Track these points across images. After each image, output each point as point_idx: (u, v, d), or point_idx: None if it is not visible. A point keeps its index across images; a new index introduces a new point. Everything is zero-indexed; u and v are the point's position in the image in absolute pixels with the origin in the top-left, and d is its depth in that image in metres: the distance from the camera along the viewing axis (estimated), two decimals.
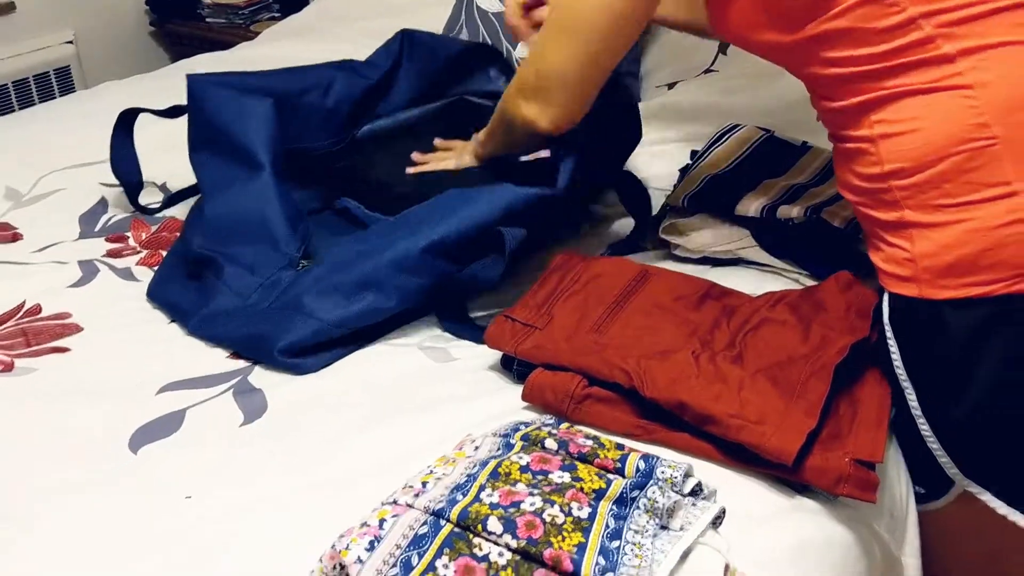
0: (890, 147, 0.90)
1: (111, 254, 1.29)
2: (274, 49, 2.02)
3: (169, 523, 0.84)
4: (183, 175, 1.43)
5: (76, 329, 1.13)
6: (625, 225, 1.31)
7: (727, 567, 0.77)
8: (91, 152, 1.52)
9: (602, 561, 0.72)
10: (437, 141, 1.36)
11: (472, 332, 1.09)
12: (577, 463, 0.82)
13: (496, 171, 1.23)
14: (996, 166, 0.86)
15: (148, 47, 2.79)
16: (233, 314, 1.10)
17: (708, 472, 0.87)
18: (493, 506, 0.75)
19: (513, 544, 0.73)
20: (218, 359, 1.07)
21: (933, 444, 0.93)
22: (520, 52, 1.70)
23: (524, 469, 0.81)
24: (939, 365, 0.91)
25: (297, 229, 1.17)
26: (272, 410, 0.99)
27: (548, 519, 0.74)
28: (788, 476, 0.87)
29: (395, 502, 0.78)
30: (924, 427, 0.93)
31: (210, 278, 1.15)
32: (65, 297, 1.19)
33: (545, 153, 1.26)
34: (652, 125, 1.43)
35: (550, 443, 0.85)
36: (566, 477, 0.80)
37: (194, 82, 1.30)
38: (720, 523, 0.81)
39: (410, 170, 1.33)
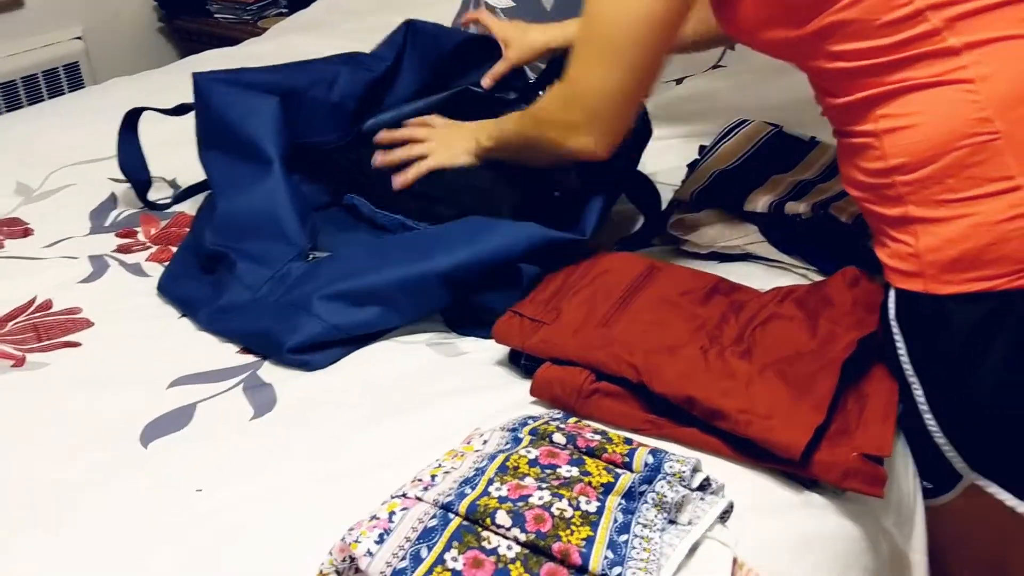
0: (894, 142, 0.90)
1: (121, 249, 1.30)
2: (282, 45, 2.02)
3: (180, 516, 0.85)
4: (192, 170, 1.43)
5: (87, 324, 1.14)
6: (633, 221, 1.31)
7: (735, 561, 0.77)
8: (101, 148, 1.53)
9: (610, 555, 0.72)
10: (409, 122, 1.30)
11: (480, 330, 1.09)
12: (585, 457, 0.83)
13: (526, 204, 1.19)
14: (998, 161, 0.86)
15: (157, 43, 2.80)
16: (243, 308, 1.11)
17: (716, 467, 0.87)
18: (502, 499, 0.76)
19: (522, 537, 0.73)
20: (228, 354, 1.08)
21: (940, 438, 0.93)
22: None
23: (532, 463, 0.81)
24: (944, 360, 0.91)
25: (306, 222, 1.18)
26: (282, 404, 0.99)
27: (556, 513, 0.75)
28: (796, 471, 0.87)
29: (404, 495, 0.78)
30: (930, 422, 0.93)
31: (223, 273, 1.16)
32: (76, 292, 1.20)
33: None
34: (660, 120, 1.43)
35: (558, 437, 0.85)
36: (574, 471, 0.80)
37: (200, 80, 1.30)
38: (728, 517, 0.81)
39: (379, 160, 1.27)
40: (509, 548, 0.73)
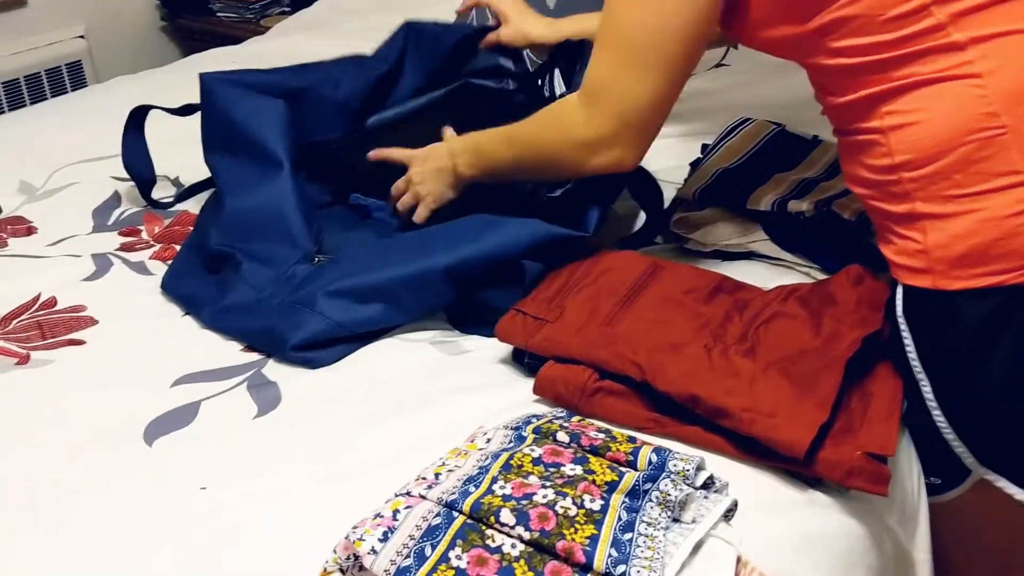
0: (900, 138, 0.90)
1: (124, 248, 1.30)
2: (284, 44, 2.02)
3: (183, 514, 0.85)
4: (195, 169, 1.44)
5: (91, 322, 1.14)
6: (635, 219, 1.31)
7: (739, 559, 0.77)
8: (104, 146, 1.53)
9: (614, 553, 0.72)
10: (392, 190, 1.24)
11: (483, 328, 1.09)
12: (589, 456, 0.83)
13: (524, 208, 1.18)
14: (1006, 156, 0.86)
15: (159, 42, 2.80)
16: (248, 308, 1.11)
17: (720, 465, 0.87)
18: (506, 498, 0.76)
19: (526, 536, 0.73)
20: (233, 352, 1.08)
21: (948, 434, 0.93)
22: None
23: (536, 461, 0.81)
24: (953, 355, 0.91)
25: (312, 226, 1.19)
26: (286, 403, 0.99)
27: (560, 511, 0.75)
28: (800, 469, 0.87)
29: (408, 493, 0.78)
30: (939, 417, 0.93)
31: (228, 272, 1.16)
32: (80, 290, 1.20)
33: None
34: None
35: (562, 436, 0.85)
36: (578, 470, 0.80)
37: (207, 81, 1.31)
38: (732, 516, 0.81)
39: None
40: (513, 546, 0.73)
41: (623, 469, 0.82)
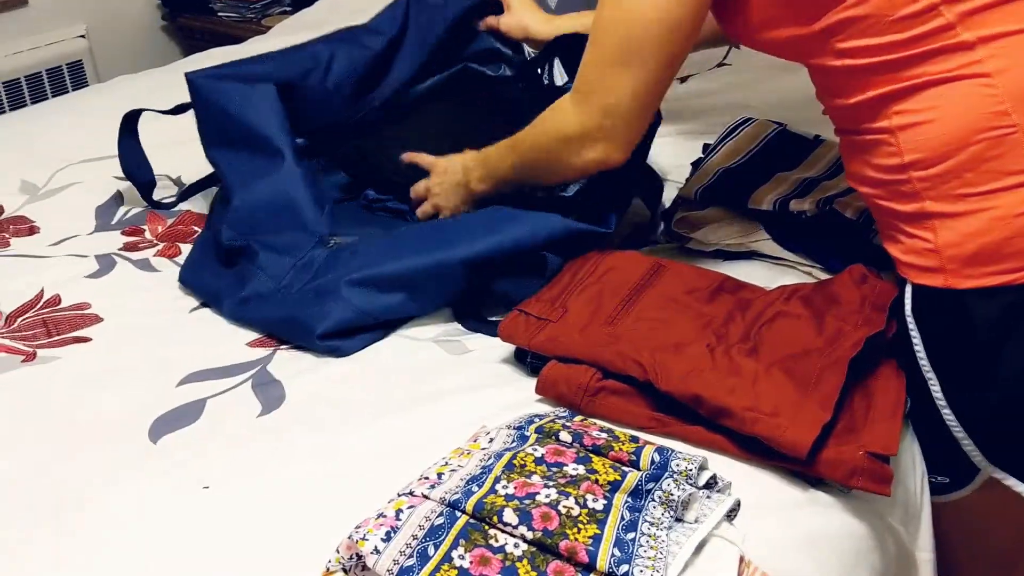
0: (909, 138, 0.90)
1: (128, 247, 1.30)
2: (285, 43, 1.98)
3: (187, 512, 0.85)
4: (196, 168, 1.44)
5: (96, 320, 1.14)
6: (639, 217, 1.31)
7: (742, 559, 0.77)
8: (106, 146, 1.53)
9: (617, 553, 0.72)
10: (411, 191, 1.26)
11: (487, 326, 1.09)
12: (592, 455, 0.83)
13: (545, 206, 1.19)
14: (1017, 154, 0.86)
15: (160, 41, 2.80)
16: (268, 298, 1.12)
17: (723, 465, 0.87)
18: (508, 497, 0.76)
19: (529, 535, 0.73)
20: (238, 349, 1.08)
21: (958, 432, 0.93)
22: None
23: (539, 461, 0.81)
24: (964, 354, 0.91)
25: (323, 208, 1.19)
26: (290, 401, 1.00)
27: (563, 511, 0.75)
28: (802, 469, 0.87)
29: (411, 493, 0.78)
30: (949, 416, 0.93)
31: (245, 264, 1.16)
32: (84, 288, 1.20)
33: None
34: (664, 118, 1.43)
35: (564, 435, 0.85)
36: (581, 469, 0.80)
37: (194, 79, 1.30)
38: (735, 515, 0.81)
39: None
40: (516, 546, 0.73)
41: (626, 469, 0.82)
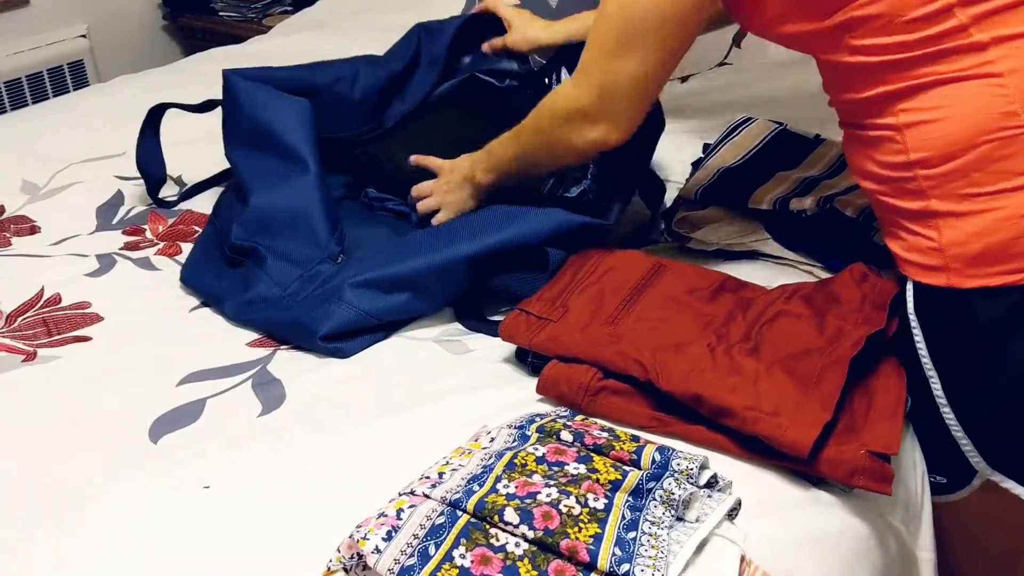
0: (917, 136, 0.90)
1: (128, 247, 1.30)
2: (287, 43, 2.02)
3: (187, 512, 0.85)
4: (198, 169, 1.44)
5: (96, 319, 1.14)
6: (639, 217, 1.31)
7: (743, 558, 0.77)
8: (106, 146, 1.53)
9: (618, 552, 0.72)
10: (412, 190, 1.28)
11: (488, 326, 1.10)
12: (592, 455, 0.83)
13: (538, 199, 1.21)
14: None
15: (161, 41, 2.80)
16: (273, 302, 1.12)
17: (723, 464, 0.87)
18: (510, 497, 0.76)
19: (530, 535, 0.73)
20: (239, 348, 1.08)
21: (958, 432, 0.93)
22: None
23: (540, 460, 0.81)
24: (965, 353, 0.91)
25: (337, 227, 1.20)
26: (290, 400, 1.00)
27: (564, 510, 0.75)
28: (803, 468, 0.87)
29: (412, 492, 0.78)
30: (949, 416, 0.93)
31: (251, 266, 1.17)
32: (84, 287, 1.20)
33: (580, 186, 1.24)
34: (665, 117, 1.43)
35: (565, 435, 0.85)
36: (582, 468, 0.80)
37: (230, 77, 1.32)
38: (736, 515, 0.81)
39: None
40: (517, 545, 0.73)
41: (627, 468, 0.82)
